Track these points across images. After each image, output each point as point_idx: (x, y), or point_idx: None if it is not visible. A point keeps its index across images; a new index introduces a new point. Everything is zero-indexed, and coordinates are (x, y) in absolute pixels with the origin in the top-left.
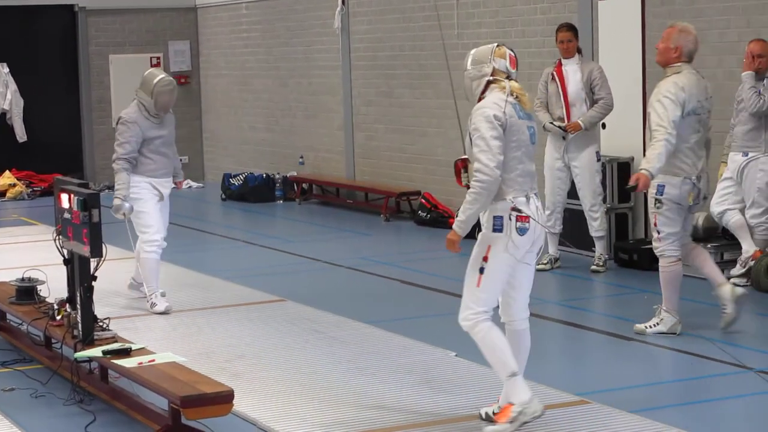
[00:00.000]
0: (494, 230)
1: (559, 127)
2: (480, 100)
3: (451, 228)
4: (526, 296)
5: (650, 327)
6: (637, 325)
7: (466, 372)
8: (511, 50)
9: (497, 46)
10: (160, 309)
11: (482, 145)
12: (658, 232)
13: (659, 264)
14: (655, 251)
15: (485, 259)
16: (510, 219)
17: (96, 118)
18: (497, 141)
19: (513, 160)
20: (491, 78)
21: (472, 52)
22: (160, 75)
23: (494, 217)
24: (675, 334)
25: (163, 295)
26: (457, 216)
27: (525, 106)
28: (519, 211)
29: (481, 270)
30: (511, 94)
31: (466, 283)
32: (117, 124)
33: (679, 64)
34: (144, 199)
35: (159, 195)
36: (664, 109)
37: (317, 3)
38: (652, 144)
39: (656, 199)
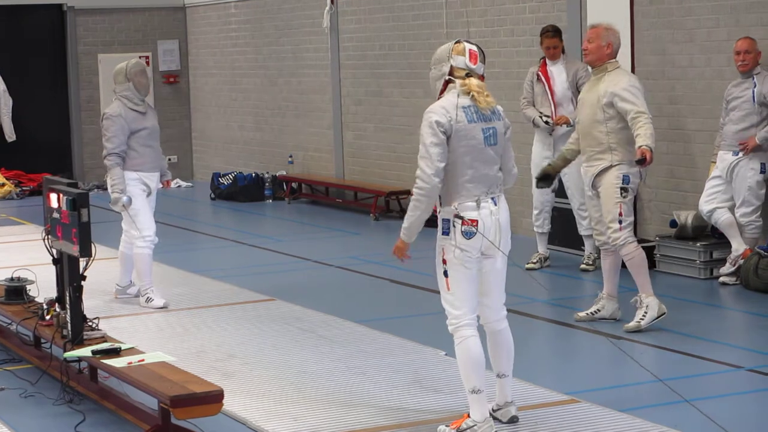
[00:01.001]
0: (443, 233)
1: (546, 122)
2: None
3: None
4: (498, 298)
5: (641, 320)
6: (627, 324)
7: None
8: (474, 45)
9: (456, 42)
10: (158, 304)
11: (422, 151)
12: (620, 222)
13: (623, 254)
14: (615, 242)
15: (444, 261)
16: (454, 225)
17: (85, 117)
18: (437, 148)
19: (461, 165)
20: (448, 77)
21: (438, 51)
22: (127, 61)
23: (442, 220)
24: (665, 314)
25: (157, 291)
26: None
27: (480, 105)
28: (462, 216)
29: (445, 273)
30: (467, 94)
31: (440, 291)
32: (102, 120)
33: (613, 60)
34: (133, 195)
35: (147, 189)
36: (635, 97)
37: (306, 2)
38: (643, 124)
39: (622, 188)
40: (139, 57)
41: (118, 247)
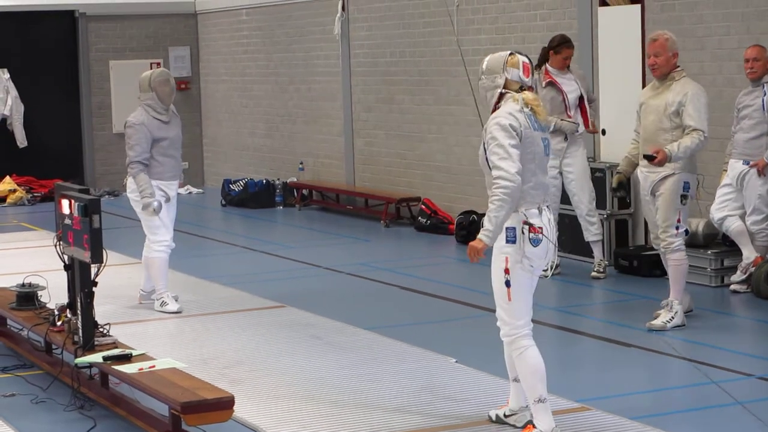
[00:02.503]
0: (507, 241)
1: (575, 129)
2: (494, 110)
3: (447, 233)
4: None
5: (668, 322)
6: (653, 322)
7: (467, 378)
8: (526, 57)
9: (510, 54)
10: (172, 308)
11: (501, 152)
12: (677, 228)
13: (671, 258)
14: (668, 246)
15: (506, 271)
16: (522, 231)
17: (96, 123)
18: (515, 149)
19: (527, 172)
20: (503, 90)
21: (487, 58)
22: (152, 70)
23: (506, 228)
24: (684, 325)
25: (175, 298)
26: (482, 225)
27: (539, 116)
28: (531, 223)
29: (507, 283)
30: (526, 106)
31: (497, 299)
32: (125, 128)
33: (680, 68)
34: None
35: (165, 196)
36: (698, 113)
37: (317, 9)
38: (691, 138)
39: (683, 196)
40: (151, 63)
41: (131, 252)
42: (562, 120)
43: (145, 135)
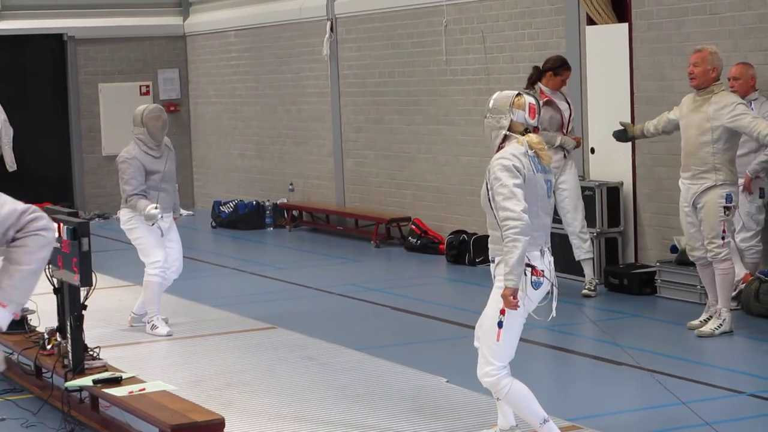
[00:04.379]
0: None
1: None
2: (498, 149)
3: (437, 252)
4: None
5: (716, 329)
6: (702, 329)
7: (458, 398)
8: (533, 98)
9: (517, 95)
10: (162, 332)
11: (506, 192)
12: (723, 238)
13: (719, 267)
14: (716, 256)
15: (503, 312)
16: (525, 274)
17: (86, 146)
18: (519, 189)
19: (530, 214)
20: (507, 133)
21: (494, 96)
22: (145, 105)
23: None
24: (733, 332)
25: (165, 321)
26: (503, 275)
27: (543, 160)
28: (533, 266)
29: (500, 324)
30: (530, 149)
31: (484, 338)
32: (118, 163)
33: (719, 82)
34: (138, 227)
35: (159, 231)
36: (747, 110)
37: (306, 30)
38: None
39: (725, 207)
40: (140, 86)
41: (121, 275)
42: (564, 136)
43: (138, 168)
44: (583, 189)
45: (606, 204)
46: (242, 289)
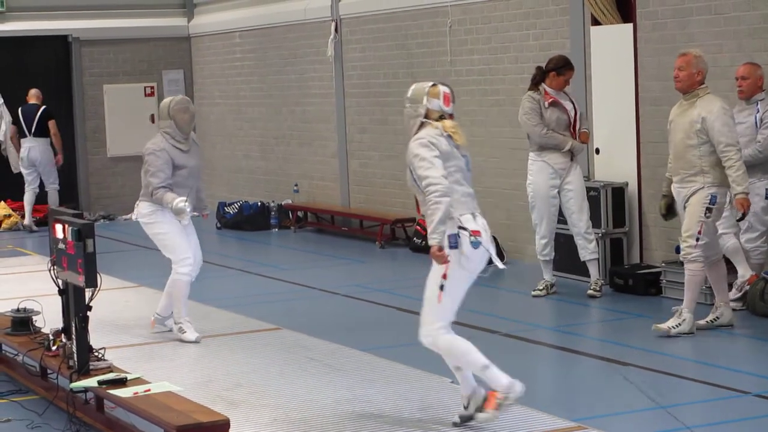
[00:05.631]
0: (450, 247)
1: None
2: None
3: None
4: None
5: (674, 327)
6: (659, 325)
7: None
8: (447, 87)
9: (432, 85)
10: (190, 337)
11: (426, 164)
12: (697, 240)
13: (686, 268)
14: (687, 256)
15: (444, 276)
16: (460, 236)
17: (91, 148)
18: (438, 159)
19: (454, 182)
20: (424, 120)
21: (411, 87)
22: (172, 97)
23: (448, 235)
24: (693, 333)
25: (190, 322)
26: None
27: (458, 141)
28: (468, 228)
29: (442, 287)
30: (445, 131)
31: (426, 300)
32: (145, 155)
33: (704, 86)
34: (161, 222)
35: (180, 226)
36: (727, 127)
37: (310, 31)
38: (731, 165)
39: (708, 208)
40: (145, 87)
41: (126, 277)
42: (575, 141)
43: (167, 161)
44: (588, 189)
45: (611, 204)
46: (247, 290)
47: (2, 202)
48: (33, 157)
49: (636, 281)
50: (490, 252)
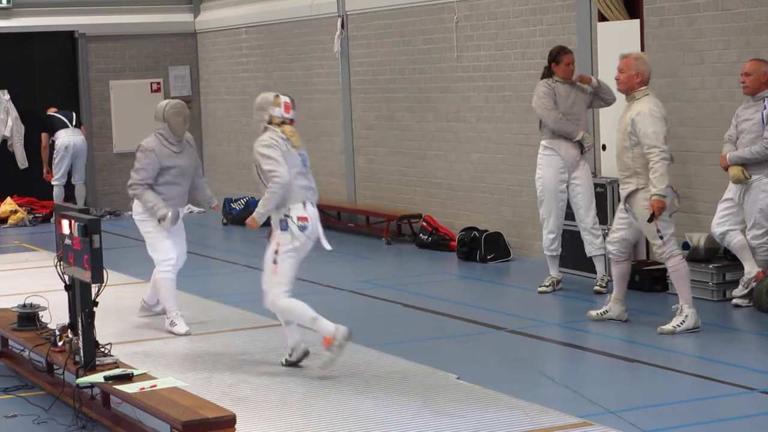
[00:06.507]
0: (281, 230)
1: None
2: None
3: (448, 249)
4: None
5: (677, 326)
6: (663, 327)
7: (468, 395)
8: (288, 97)
9: (275, 96)
10: (180, 330)
11: (272, 162)
12: (662, 237)
13: (669, 266)
14: (661, 257)
15: (276, 252)
16: (292, 221)
17: (97, 144)
18: (282, 158)
19: (292, 177)
20: (267, 125)
21: (258, 97)
22: (167, 101)
23: (280, 220)
24: (698, 327)
25: (181, 316)
26: (258, 210)
27: (295, 143)
28: (298, 215)
29: (275, 261)
30: (284, 134)
31: (265, 273)
32: (136, 151)
33: (643, 88)
34: (149, 221)
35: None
36: (653, 128)
37: (316, 27)
38: (652, 167)
39: (652, 213)
40: (151, 83)
41: (133, 272)
42: (585, 133)
43: (153, 161)
44: (595, 185)
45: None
46: (253, 286)
47: (8, 197)
48: (78, 145)
49: (642, 278)
50: (318, 234)
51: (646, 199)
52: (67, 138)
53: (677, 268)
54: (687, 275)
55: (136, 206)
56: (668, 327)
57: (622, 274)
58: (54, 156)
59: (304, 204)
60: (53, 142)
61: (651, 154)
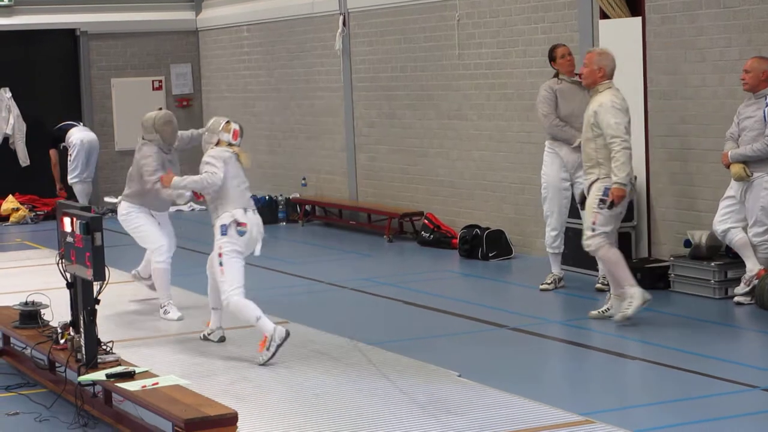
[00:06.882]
0: (221, 234)
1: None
2: None
3: (450, 247)
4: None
5: (627, 309)
6: (617, 316)
7: (470, 392)
8: (238, 125)
9: (226, 122)
10: (173, 317)
11: (211, 167)
12: (593, 230)
13: (599, 257)
14: (587, 248)
15: (220, 255)
16: (231, 226)
17: (99, 141)
18: (222, 168)
19: (232, 186)
20: (214, 146)
21: (210, 121)
22: (153, 113)
23: (221, 225)
24: (649, 300)
25: (173, 304)
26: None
27: (244, 163)
28: (237, 220)
29: (220, 263)
30: (234, 153)
31: (216, 273)
32: (140, 161)
33: (606, 81)
34: (136, 217)
35: (156, 219)
36: (615, 119)
37: (318, 25)
38: (613, 156)
39: (601, 199)
40: (153, 81)
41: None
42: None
43: (160, 162)
44: None
45: None
46: (254, 284)
47: (10, 195)
48: (92, 141)
49: (644, 275)
50: (256, 236)
51: (600, 188)
52: (80, 134)
53: (608, 256)
54: (620, 259)
55: (122, 209)
56: (619, 315)
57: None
58: (69, 153)
59: (245, 210)
60: (64, 148)
61: (613, 143)
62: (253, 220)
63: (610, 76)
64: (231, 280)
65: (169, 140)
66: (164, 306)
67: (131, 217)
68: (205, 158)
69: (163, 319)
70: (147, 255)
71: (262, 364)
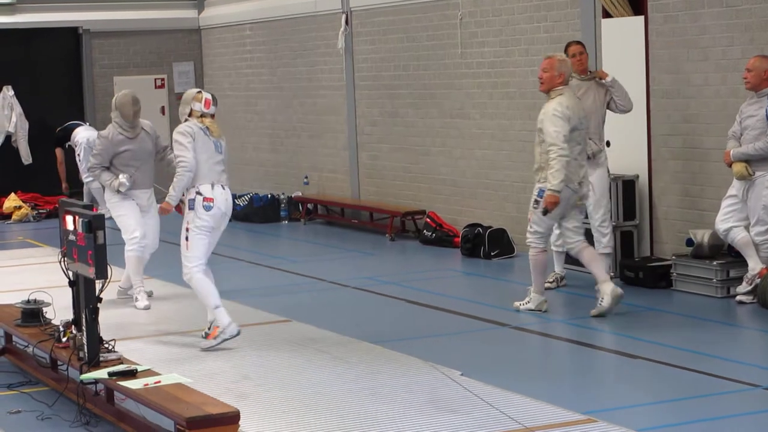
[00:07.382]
0: (189, 208)
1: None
2: None
3: (452, 246)
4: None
5: (523, 305)
6: (515, 303)
7: (472, 391)
8: (210, 94)
9: (198, 92)
10: (140, 305)
11: (181, 148)
12: (531, 228)
13: (529, 253)
14: (526, 241)
15: (187, 229)
16: (197, 200)
17: None
18: (190, 144)
19: (201, 162)
20: (187, 117)
21: (185, 93)
22: (123, 91)
23: (189, 200)
24: (541, 311)
25: (149, 294)
26: (169, 193)
27: (213, 133)
28: (203, 195)
29: (187, 238)
30: (203, 125)
31: (181, 250)
32: (95, 140)
33: (559, 88)
34: (120, 204)
35: (137, 207)
36: (554, 127)
37: (320, 23)
38: (549, 164)
39: (535, 200)
40: (155, 79)
41: (144, 271)
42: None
43: (106, 147)
44: None
45: (622, 197)
46: (257, 282)
47: (12, 193)
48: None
49: (646, 274)
50: (226, 213)
51: (536, 190)
52: (86, 132)
53: (535, 259)
54: (543, 267)
55: (106, 194)
56: (516, 304)
57: (593, 257)
58: (77, 153)
59: (212, 185)
60: (70, 147)
61: (550, 151)
62: (221, 196)
63: (567, 83)
64: (194, 256)
65: (127, 117)
66: (134, 294)
67: (115, 204)
68: (174, 135)
69: (133, 305)
70: (126, 269)
71: (204, 350)
